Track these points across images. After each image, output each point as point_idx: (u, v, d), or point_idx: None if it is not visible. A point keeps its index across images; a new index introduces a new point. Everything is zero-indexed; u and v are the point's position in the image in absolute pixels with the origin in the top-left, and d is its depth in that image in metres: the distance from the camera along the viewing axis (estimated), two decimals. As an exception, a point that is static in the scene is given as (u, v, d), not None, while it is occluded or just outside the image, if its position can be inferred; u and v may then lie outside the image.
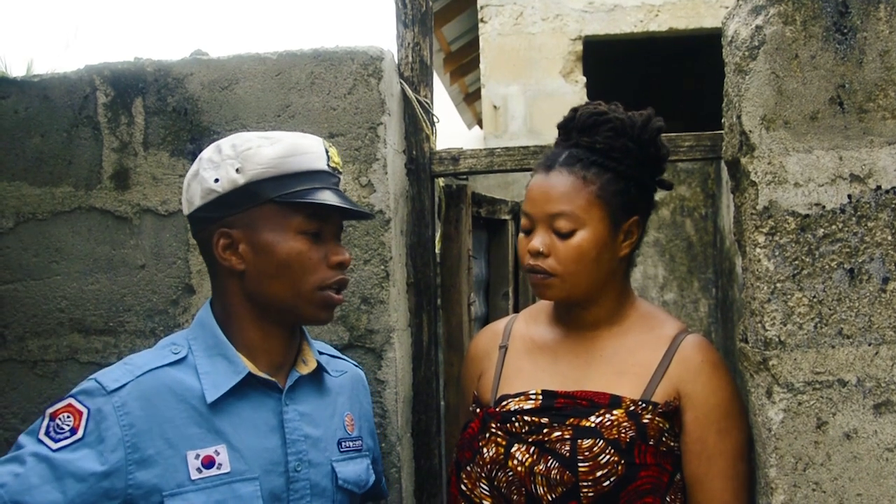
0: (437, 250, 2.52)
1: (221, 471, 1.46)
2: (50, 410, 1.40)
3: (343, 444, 1.67)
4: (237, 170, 1.50)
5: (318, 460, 1.59)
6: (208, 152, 1.55)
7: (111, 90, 2.17)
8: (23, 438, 1.40)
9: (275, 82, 2.12)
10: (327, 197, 1.54)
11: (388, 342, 2.10)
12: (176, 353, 1.51)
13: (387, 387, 2.09)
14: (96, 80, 2.18)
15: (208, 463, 1.45)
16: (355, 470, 1.68)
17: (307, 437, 1.58)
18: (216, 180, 1.50)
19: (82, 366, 2.17)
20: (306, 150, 1.55)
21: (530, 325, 1.90)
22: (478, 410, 1.80)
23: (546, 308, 1.90)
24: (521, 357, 1.83)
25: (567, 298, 1.73)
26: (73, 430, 1.37)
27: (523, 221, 1.75)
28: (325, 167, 1.57)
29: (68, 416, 1.38)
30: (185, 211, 1.58)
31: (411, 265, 2.29)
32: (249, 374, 1.52)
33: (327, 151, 1.59)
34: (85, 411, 1.39)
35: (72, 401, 1.41)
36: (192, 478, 1.43)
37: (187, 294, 2.14)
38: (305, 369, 1.63)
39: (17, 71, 2.54)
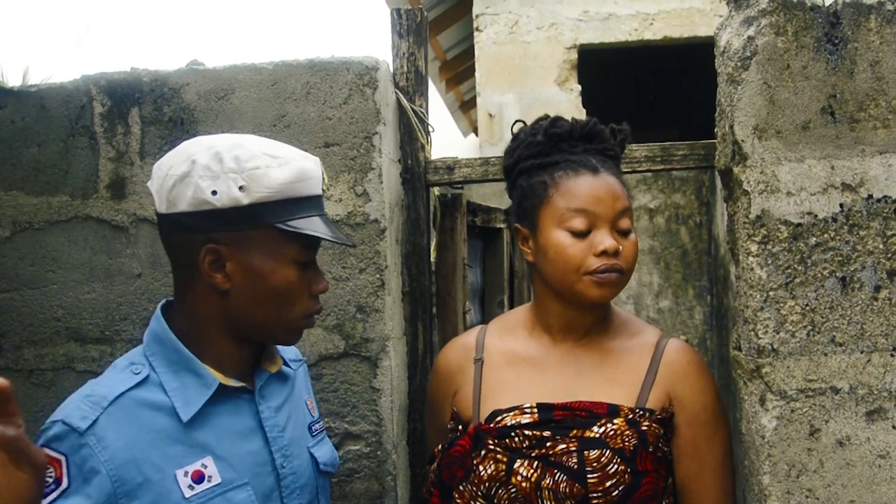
0: (432, 259, 2.52)
1: (213, 483, 1.43)
2: None
3: (312, 427, 1.67)
4: (241, 188, 1.41)
5: (297, 451, 1.59)
6: (204, 157, 1.43)
7: (108, 100, 2.18)
8: None
9: (270, 92, 2.13)
10: (322, 227, 1.51)
11: (384, 350, 2.10)
12: (137, 374, 1.45)
13: (382, 395, 2.10)
14: (93, 90, 2.19)
15: (198, 478, 1.42)
16: (328, 451, 1.69)
17: (284, 431, 1.57)
18: (214, 192, 1.41)
19: (78, 374, 2.17)
20: (310, 175, 1.50)
21: (506, 337, 1.86)
22: (460, 427, 1.77)
23: (522, 319, 1.87)
24: (503, 370, 1.80)
25: (613, 297, 1.73)
26: (58, 482, 1.32)
27: (577, 222, 1.66)
28: (319, 192, 1.53)
29: (48, 468, 1.29)
30: (161, 208, 1.47)
31: (406, 274, 2.30)
32: (220, 384, 1.49)
33: (322, 175, 1.55)
34: (62, 458, 1.33)
35: (46, 451, 1.32)
36: (186, 496, 1.40)
37: (183, 303, 2.14)
38: (273, 367, 1.61)
39: (12, 80, 2.54)
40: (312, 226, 1.49)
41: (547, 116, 1.80)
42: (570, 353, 1.77)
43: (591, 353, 1.76)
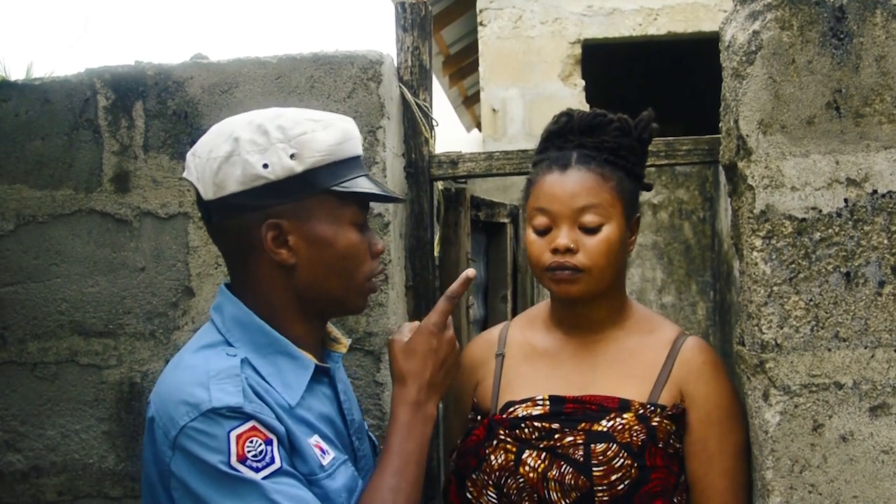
0: (435, 253, 2.52)
1: (331, 456, 1.42)
2: (234, 461, 1.26)
3: (362, 409, 1.68)
4: (292, 156, 1.37)
5: (362, 434, 1.60)
6: (246, 132, 1.39)
7: (112, 93, 2.18)
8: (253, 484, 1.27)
9: (274, 86, 2.13)
10: (372, 185, 1.48)
11: (387, 345, 2.10)
12: (234, 356, 1.39)
13: (386, 389, 2.10)
14: (97, 84, 2.19)
15: (322, 450, 1.41)
16: (373, 435, 1.70)
17: (353, 413, 1.57)
18: (265, 165, 1.37)
19: (82, 368, 2.18)
20: (353, 135, 1.47)
21: (526, 331, 1.89)
22: (479, 418, 1.80)
23: (542, 313, 1.90)
24: (521, 363, 1.83)
25: (590, 294, 1.71)
26: (268, 441, 1.30)
27: (538, 220, 1.71)
28: (361, 152, 1.51)
29: (254, 442, 1.28)
30: (208, 195, 1.41)
31: (410, 268, 2.30)
32: (316, 365, 1.47)
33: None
34: (252, 422, 1.29)
35: (234, 432, 1.28)
36: (323, 463, 1.39)
37: (187, 296, 2.15)
38: (342, 348, 1.61)
39: (16, 73, 2.54)
40: (364, 185, 1.47)
41: (567, 111, 1.81)
42: (585, 347, 1.78)
43: (606, 347, 1.77)
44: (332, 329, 1.63)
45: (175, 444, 1.29)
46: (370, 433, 1.67)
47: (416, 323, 1.60)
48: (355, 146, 1.47)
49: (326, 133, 1.41)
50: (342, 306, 1.53)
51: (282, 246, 1.42)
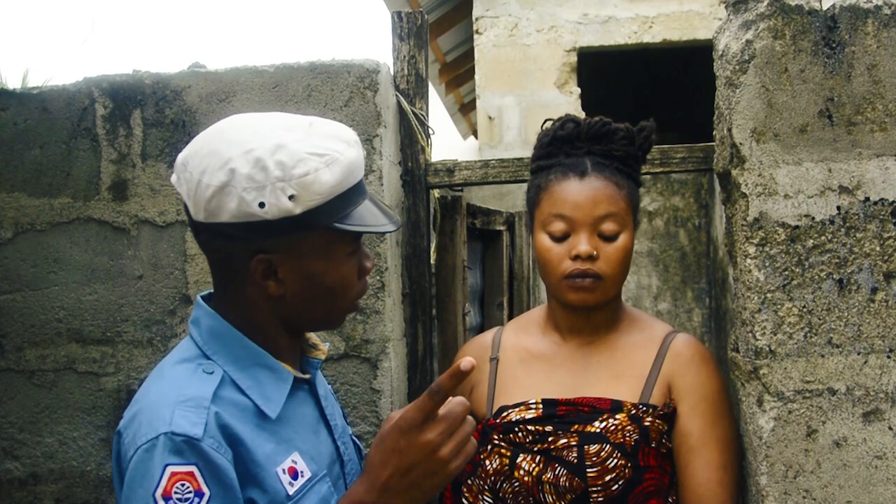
0: (432, 261, 2.53)
1: (305, 478, 1.39)
2: (158, 493, 1.23)
3: (345, 415, 1.66)
4: (291, 196, 1.30)
5: (346, 439, 1.58)
6: (244, 165, 1.30)
7: (110, 102, 2.19)
8: None
9: (272, 95, 2.14)
10: (371, 213, 1.42)
11: (384, 352, 2.11)
12: (211, 373, 1.36)
13: (382, 396, 2.11)
14: (95, 93, 2.20)
15: (293, 474, 1.37)
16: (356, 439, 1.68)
17: (336, 419, 1.56)
18: (261, 205, 1.29)
19: (80, 375, 2.18)
20: (357, 165, 1.39)
21: (521, 335, 1.90)
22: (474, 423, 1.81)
23: (537, 317, 1.91)
24: (516, 367, 1.84)
25: (603, 301, 1.73)
26: (199, 493, 1.24)
27: (556, 226, 1.70)
28: (362, 174, 1.44)
29: (183, 484, 1.24)
30: (198, 216, 1.35)
31: (406, 276, 2.31)
32: (294, 377, 1.45)
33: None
34: (194, 469, 1.24)
35: (172, 468, 1.24)
36: (289, 493, 1.35)
37: (184, 304, 2.16)
38: (320, 354, 1.58)
39: (13, 82, 2.55)
40: (364, 216, 1.41)
41: (567, 117, 1.82)
42: (580, 350, 1.79)
43: (599, 350, 1.78)
44: (311, 335, 1.60)
45: (130, 458, 1.28)
46: (353, 437, 1.65)
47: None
48: (358, 174, 1.40)
49: (330, 172, 1.33)
50: (322, 325, 1.51)
51: (270, 277, 1.38)
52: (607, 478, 1.60)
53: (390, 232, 1.49)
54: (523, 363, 1.84)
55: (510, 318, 4.18)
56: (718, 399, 1.70)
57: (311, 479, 1.40)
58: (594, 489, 1.60)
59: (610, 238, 1.69)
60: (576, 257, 1.68)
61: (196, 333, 1.44)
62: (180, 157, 1.38)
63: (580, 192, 1.70)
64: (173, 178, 1.41)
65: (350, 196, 1.39)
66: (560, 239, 1.71)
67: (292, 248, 1.36)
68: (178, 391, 1.32)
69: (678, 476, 1.67)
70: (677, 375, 1.71)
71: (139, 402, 1.36)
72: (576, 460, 1.62)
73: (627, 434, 1.64)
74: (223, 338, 1.41)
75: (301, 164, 1.31)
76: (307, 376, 1.51)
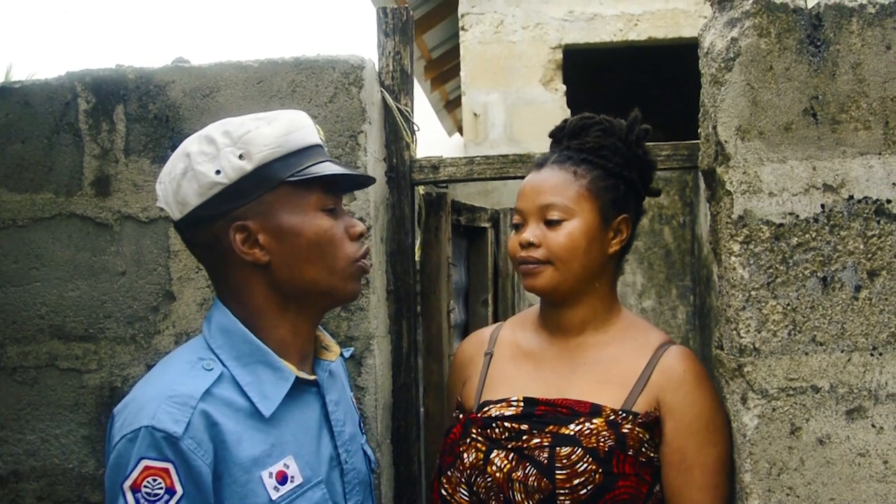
0: (416, 258, 2.53)
1: (295, 483, 1.40)
2: (127, 484, 1.26)
3: (360, 425, 1.66)
4: (240, 156, 1.40)
5: (355, 448, 1.58)
6: (196, 145, 1.43)
7: (92, 97, 2.17)
8: None
9: (256, 90, 2.13)
10: (335, 168, 1.48)
11: (368, 349, 2.11)
12: (210, 370, 1.39)
13: (366, 393, 2.10)
14: (78, 87, 2.18)
15: (282, 479, 1.38)
16: (370, 451, 1.68)
17: (344, 426, 1.55)
18: (217, 172, 1.39)
19: (62, 372, 2.16)
20: (302, 124, 1.48)
21: (517, 331, 1.91)
22: (460, 416, 1.82)
23: (533, 315, 1.91)
24: (506, 363, 1.85)
25: (557, 288, 1.73)
26: (171, 490, 1.27)
27: (515, 218, 1.80)
28: (318, 140, 1.50)
29: (155, 480, 1.26)
30: (176, 215, 1.45)
31: (391, 272, 2.30)
32: (296, 377, 1.45)
33: (316, 126, 1.53)
34: (170, 466, 1.27)
35: (146, 462, 1.27)
36: (273, 498, 1.36)
37: (168, 301, 2.14)
38: (332, 356, 1.59)
39: (-4, 77, 2.53)
40: (323, 169, 1.46)
41: (568, 119, 1.90)
42: (568, 350, 1.79)
43: (587, 352, 1.77)
44: (325, 337, 1.62)
45: (114, 446, 1.31)
46: (366, 447, 1.65)
47: None
48: (307, 135, 1.48)
49: (271, 127, 1.43)
50: (331, 295, 1.51)
51: (253, 246, 1.43)
52: (576, 481, 1.59)
53: (356, 177, 1.55)
54: (514, 359, 1.85)
55: (495, 315, 4.18)
56: (713, 417, 1.68)
57: (301, 484, 1.41)
58: (562, 492, 1.59)
59: (553, 224, 1.73)
60: (521, 245, 1.75)
61: (206, 328, 1.48)
62: (158, 179, 1.49)
63: (530, 183, 1.79)
64: (157, 203, 1.49)
65: (306, 154, 1.46)
66: (518, 228, 1.79)
67: (262, 209, 1.42)
68: (170, 386, 1.35)
69: (668, 496, 1.66)
70: (667, 391, 1.68)
71: (136, 389, 1.40)
72: (546, 461, 1.62)
73: (602, 440, 1.62)
74: (229, 333, 1.45)
75: (243, 127, 1.43)
76: (313, 377, 1.51)
